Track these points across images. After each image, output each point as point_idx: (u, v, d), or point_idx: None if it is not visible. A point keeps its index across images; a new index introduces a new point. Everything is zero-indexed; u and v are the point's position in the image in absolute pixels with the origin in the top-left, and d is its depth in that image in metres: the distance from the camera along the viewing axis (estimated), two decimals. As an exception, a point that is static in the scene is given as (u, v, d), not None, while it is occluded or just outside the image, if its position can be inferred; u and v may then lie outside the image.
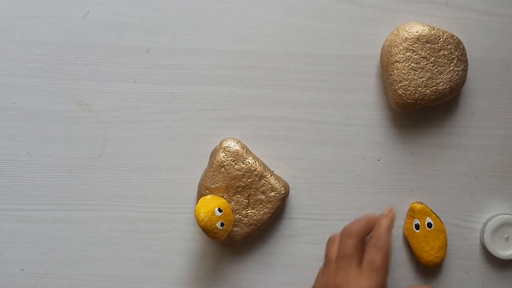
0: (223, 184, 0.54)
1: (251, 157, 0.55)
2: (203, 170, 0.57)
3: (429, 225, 0.56)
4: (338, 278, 0.48)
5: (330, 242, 0.53)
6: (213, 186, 0.55)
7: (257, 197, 0.55)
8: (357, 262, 0.49)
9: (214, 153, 0.56)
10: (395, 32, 0.56)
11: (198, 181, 0.57)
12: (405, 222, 0.57)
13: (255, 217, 0.55)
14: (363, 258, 0.49)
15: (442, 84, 0.55)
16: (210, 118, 0.58)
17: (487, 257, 0.58)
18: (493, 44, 0.58)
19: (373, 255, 0.49)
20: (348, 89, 0.58)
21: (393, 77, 0.55)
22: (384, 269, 0.48)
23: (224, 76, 0.58)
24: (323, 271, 0.52)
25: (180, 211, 0.58)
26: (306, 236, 0.58)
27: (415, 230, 0.56)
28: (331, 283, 0.49)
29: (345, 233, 0.51)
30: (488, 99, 0.58)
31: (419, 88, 0.54)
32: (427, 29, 0.54)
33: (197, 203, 0.53)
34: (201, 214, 0.50)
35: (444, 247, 0.56)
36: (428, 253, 0.56)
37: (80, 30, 0.58)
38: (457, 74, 0.55)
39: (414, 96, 0.54)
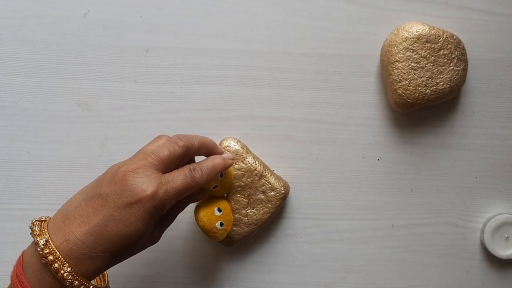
0: (223, 184, 0.54)
1: (251, 157, 0.55)
2: (203, 170, 0.57)
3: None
4: (127, 166, 0.42)
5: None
6: (213, 185, 0.55)
7: (257, 196, 0.55)
8: (159, 166, 0.43)
9: (214, 153, 0.56)
10: (395, 31, 0.56)
11: (198, 181, 0.57)
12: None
13: (255, 217, 0.55)
14: (171, 171, 0.44)
15: (442, 84, 0.55)
16: (210, 117, 0.58)
17: (487, 257, 0.58)
18: (493, 44, 0.58)
19: (180, 175, 0.43)
20: (348, 89, 0.58)
21: (393, 76, 0.55)
22: (175, 196, 0.42)
23: (224, 76, 0.58)
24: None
25: (180, 211, 0.58)
26: (306, 236, 0.58)
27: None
28: (117, 165, 0.43)
29: (175, 137, 0.46)
30: (488, 99, 0.58)
31: (419, 88, 0.54)
32: (427, 29, 0.54)
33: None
34: (200, 214, 0.50)
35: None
36: None
37: (80, 30, 0.58)
38: (457, 73, 0.55)
39: (414, 95, 0.54)
